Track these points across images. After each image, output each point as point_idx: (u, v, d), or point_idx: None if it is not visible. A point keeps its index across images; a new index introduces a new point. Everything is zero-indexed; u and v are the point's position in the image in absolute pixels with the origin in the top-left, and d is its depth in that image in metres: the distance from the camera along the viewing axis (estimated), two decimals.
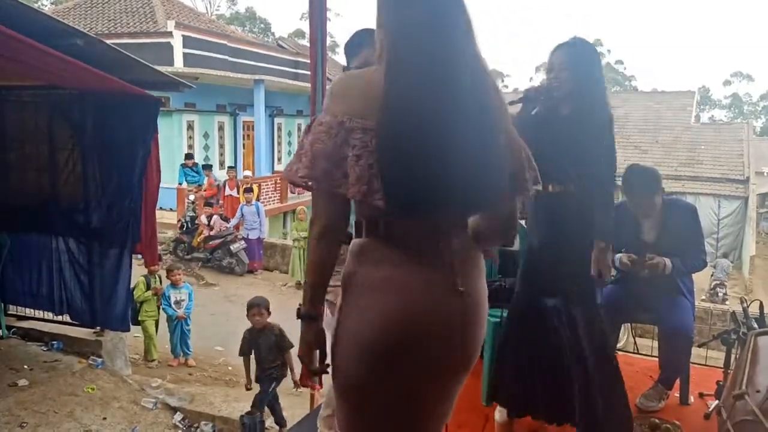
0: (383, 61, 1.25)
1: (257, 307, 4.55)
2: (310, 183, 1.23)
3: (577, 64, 2.21)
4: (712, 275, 11.88)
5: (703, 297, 10.32)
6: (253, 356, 4.58)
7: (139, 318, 6.39)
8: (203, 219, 11.06)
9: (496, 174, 1.28)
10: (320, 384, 3.71)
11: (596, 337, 2.23)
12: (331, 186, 1.23)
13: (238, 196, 12.09)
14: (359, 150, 1.21)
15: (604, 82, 2.35)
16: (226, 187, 12.47)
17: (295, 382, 4.57)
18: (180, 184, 12.87)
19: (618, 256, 2.90)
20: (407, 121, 1.20)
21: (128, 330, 5.51)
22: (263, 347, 4.52)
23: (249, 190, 11.21)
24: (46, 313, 5.62)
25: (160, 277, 6.61)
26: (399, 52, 1.24)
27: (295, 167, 1.26)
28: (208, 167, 13.07)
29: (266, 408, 4.65)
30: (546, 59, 2.32)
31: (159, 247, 10.53)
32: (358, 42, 2.09)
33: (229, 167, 13.89)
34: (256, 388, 4.59)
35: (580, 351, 2.21)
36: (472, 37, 1.29)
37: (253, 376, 4.58)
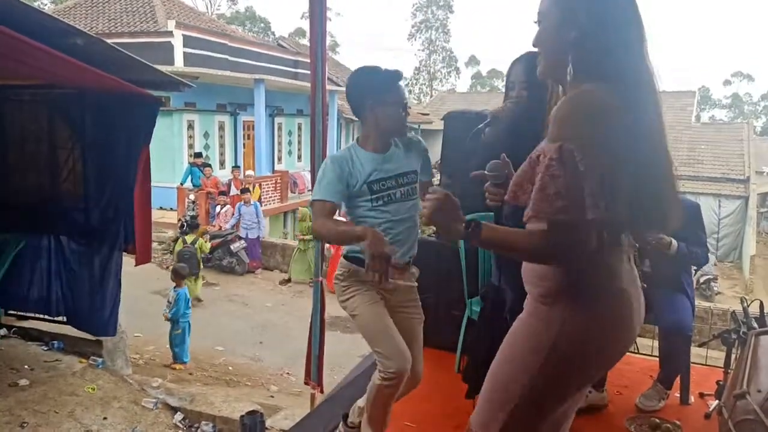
0: (617, 85, 1.31)
1: None
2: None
3: (535, 81, 2.21)
4: (696, 271, 11.85)
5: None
6: None
7: None
8: (216, 208, 11.24)
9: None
10: (321, 390, 3.69)
11: None
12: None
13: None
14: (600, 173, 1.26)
15: None
16: (232, 186, 12.47)
17: None
18: (182, 184, 12.85)
19: None
20: (654, 147, 1.35)
21: (114, 335, 5.36)
22: None
23: (246, 190, 11.22)
24: None
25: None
26: (638, 83, 1.34)
27: (561, 204, 1.28)
28: (207, 165, 13.10)
29: None
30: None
31: (159, 247, 10.54)
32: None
33: (234, 167, 13.87)
34: None
35: None
36: None
37: None
